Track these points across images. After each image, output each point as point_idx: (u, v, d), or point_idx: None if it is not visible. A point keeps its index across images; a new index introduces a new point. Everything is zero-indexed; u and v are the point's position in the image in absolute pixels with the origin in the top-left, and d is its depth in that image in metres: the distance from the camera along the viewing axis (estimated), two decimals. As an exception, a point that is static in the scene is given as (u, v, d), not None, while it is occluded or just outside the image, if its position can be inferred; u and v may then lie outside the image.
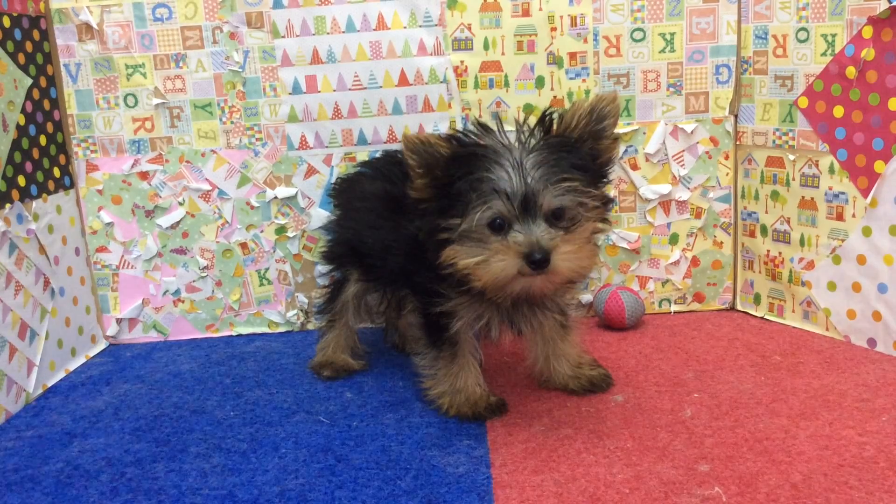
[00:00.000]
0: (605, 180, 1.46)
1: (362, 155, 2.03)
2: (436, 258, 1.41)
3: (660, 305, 2.14)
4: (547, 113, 1.42)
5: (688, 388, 1.64)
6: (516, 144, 1.38)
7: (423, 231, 1.44)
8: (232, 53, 2.00)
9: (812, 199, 1.88)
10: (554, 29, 1.98)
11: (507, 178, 1.33)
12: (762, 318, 2.05)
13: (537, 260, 1.32)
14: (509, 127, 1.97)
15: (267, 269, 2.12)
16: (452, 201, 1.37)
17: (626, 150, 2.04)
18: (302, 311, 2.14)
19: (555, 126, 1.42)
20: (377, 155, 1.94)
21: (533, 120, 1.44)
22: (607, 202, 1.45)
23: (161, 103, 2.03)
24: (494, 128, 1.43)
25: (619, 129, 2.02)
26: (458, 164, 1.37)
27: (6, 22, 1.79)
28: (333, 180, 2.02)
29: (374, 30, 1.98)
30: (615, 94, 1.43)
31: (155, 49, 2.00)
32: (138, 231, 2.08)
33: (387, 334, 2.01)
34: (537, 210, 1.34)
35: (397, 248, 1.61)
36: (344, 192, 1.87)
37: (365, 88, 2.01)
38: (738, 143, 2.05)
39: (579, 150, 1.39)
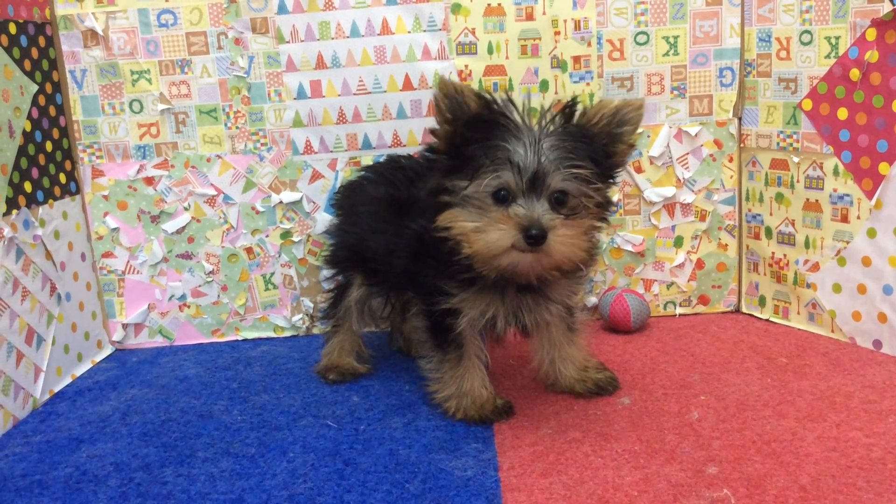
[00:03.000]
0: (611, 181, 1.47)
1: (367, 159, 2.03)
2: (433, 221, 1.43)
3: (665, 308, 2.14)
4: (570, 103, 1.43)
5: (694, 391, 1.65)
6: (536, 126, 1.40)
7: (427, 190, 1.46)
8: (237, 59, 2.01)
9: (817, 201, 1.89)
10: (557, 33, 1.98)
11: (521, 153, 1.35)
12: (767, 320, 2.06)
13: (534, 235, 1.33)
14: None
15: (272, 274, 2.12)
16: (464, 163, 1.39)
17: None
18: (307, 315, 2.14)
19: (576, 117, 1.43)
20: (381, 159, 1.94)
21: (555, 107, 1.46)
22: (609, 204, 1.46)
23: (166, 109, 2.03)
24: (521, 106, 1.44)
25: (624, 133, 2.03)
26: (479, 127, 1.39)
27: (12, 29, 1.80)
28: (338, 187, 2.02)
29: (379, 34, 1.99)
30: (642, 101, 1.45)
31: (160, 55, 2.00)
32: (144, 236, 2.09)
33: (392, 339, 2.01)
34: (543, 189, 1.36)
35: (401, 250, 1.62)
36: (347, 197, 1.88)
37: (370, 93, 2.01)
38: (742, 145, 2.05)
39: (595, 143, 1.41)
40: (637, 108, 1.43)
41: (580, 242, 1.40)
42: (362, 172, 1.87)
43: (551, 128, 1.39)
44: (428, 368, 1.62)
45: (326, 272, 2.02)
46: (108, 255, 2.09)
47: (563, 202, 1.38)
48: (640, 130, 2.01)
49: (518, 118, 1.40)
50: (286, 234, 2.10)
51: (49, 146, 1.92)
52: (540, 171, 1.34)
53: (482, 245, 1.36)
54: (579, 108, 1.44)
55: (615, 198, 2.06)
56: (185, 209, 2.08)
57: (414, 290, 1.64)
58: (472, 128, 1.39)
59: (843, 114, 1.79)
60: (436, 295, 1.52)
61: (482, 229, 1.36)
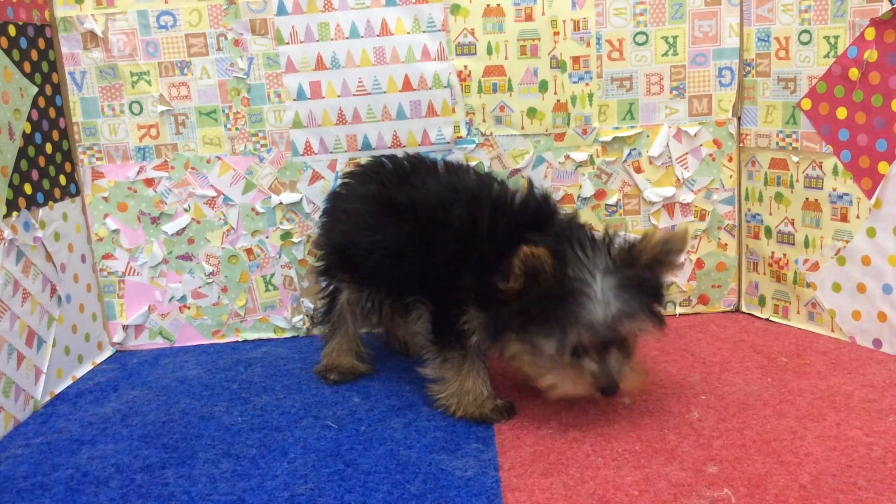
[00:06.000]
0: (661, 302, 1.52)
1: (366, 160, 2.02)
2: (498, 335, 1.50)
3: (664, 308, 2.14)
4: (624, 244, 1.50)
5: (695, 391, 1.65)
6: (599, 279, 1.43)
7: (501, 314, 1.47)
8: (236, 60, 2.01)
9: (816, 200, 1.89)
10: (557, 33, 1.98)
11: (594, 313, 1.40)
12: (767, 319, 2.06)
13: (608, 391, 1.46)
14: (513, 131, 2.02)
15: (272, 275, 2.12)
16: (536, 315, 1.42)
17: (629, 154, 2.05)
18: (308, 316, 2.14)
19: (624, 251, 1.48)
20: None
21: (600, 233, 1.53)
22: (662, 321, 1.51)
23: (166, 110, 2.03)
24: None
25: (623, 133, 2.03)
26: (554, 290, 1.41)
27: (11, 31, 1.80)
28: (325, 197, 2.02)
29: (378, 35, 1.99)
30: (685, 231, 1.53)
31: (160, 56, 2.01)
32: (144, 238, 2.09)
33: (388, 341, 2.01)
34: (612, 342, 1.45)
35: (408, 254, 1.61)
36: (330, 202, 1.90)
37: (369, 94, 2.02)
38: (741, 145, 2.05)
39: (646, 278, 1.47)
40: (682, 238, 1.49)
41: (642, 367, 1.51)
42: (343, 179, 1.88)
43: (611, 277, 1.43)
44: (431, 368, 1.62)
45: (321, 281, 2.02)
46: (108, 256, 2.09)
47: (628, 343, 1.48)
48: (631, 130, 2.03)
49: (589, 276, 1.42)
50: (286, 235, 2.10)
51: (49, 148, 1.92)
52: (610, 327, 1.41)
53: (556, 394, 1.48)
54: (620, 238, 1.52)
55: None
56: (185, 210, 2.08)
57: (428, 297, 1.63)
58: (549, 289, 1.41)
59: (842, 113, 1.80)
60: (454, 309, 1.54)
61: (558, 385, 1.46)
